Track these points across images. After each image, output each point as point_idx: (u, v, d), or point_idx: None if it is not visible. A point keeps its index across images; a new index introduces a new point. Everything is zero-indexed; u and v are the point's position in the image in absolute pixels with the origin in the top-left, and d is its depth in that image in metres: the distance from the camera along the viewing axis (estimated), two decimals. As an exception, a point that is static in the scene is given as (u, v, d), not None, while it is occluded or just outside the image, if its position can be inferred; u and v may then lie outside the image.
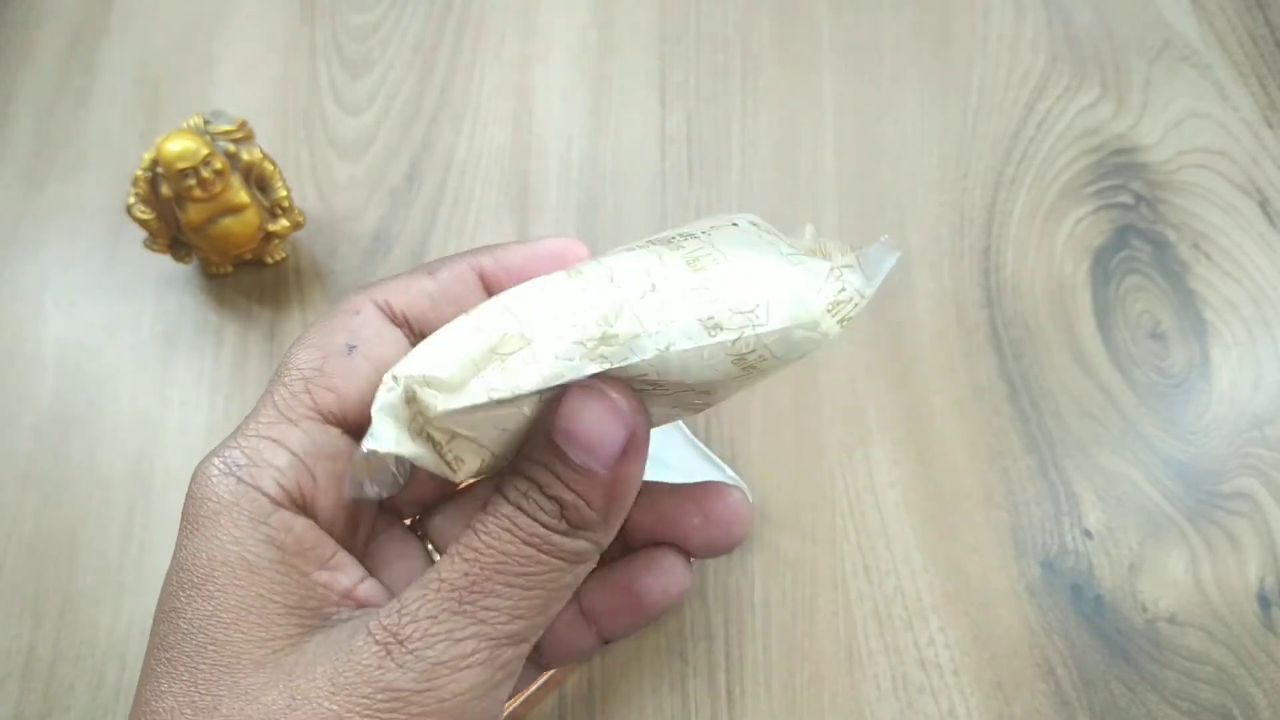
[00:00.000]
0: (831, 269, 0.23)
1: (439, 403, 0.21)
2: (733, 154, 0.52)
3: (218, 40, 0.55)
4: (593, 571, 0.25)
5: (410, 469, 0.24)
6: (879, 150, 0.52)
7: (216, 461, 0.23)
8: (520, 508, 0.23)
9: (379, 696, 0.21)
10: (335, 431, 0.25)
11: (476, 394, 0.22)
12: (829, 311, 0.23)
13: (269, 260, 0.48)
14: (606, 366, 0.22)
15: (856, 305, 0.23)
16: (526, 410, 0.23)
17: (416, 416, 0.22)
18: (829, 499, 0.43)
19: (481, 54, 0.55)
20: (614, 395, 0.23)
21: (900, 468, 0.44)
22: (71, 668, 0.41)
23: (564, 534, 0.23)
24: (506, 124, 0.53)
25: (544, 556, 0.23)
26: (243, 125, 0.45)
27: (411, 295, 0.25)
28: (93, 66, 0.54)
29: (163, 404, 0.46)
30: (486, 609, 0.22)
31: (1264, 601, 0.41)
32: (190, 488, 0.24)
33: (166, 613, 0.23)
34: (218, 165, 0.43)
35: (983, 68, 0.54)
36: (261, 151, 0.45)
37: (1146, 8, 0.55)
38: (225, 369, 0.46)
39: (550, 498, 0.23)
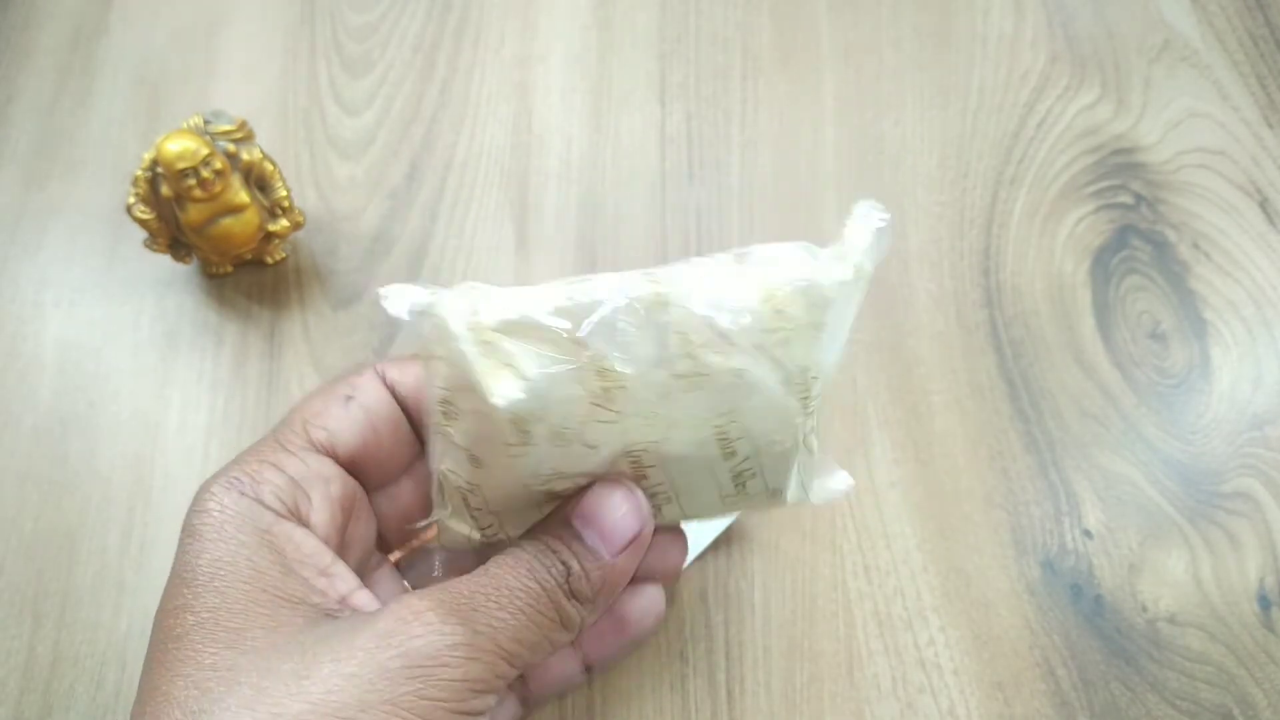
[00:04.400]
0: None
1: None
2: (733, 154, 0.52)
3: (218, 40, 0.55)
4: None
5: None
6: (879, 150, 0.52)
7: (220, 480, 0.25)
8: (537, 556, 0.25)
9: (393, 664, 0.22)
10: (329, 460, 0.27)
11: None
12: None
13: (269, 260, 0.48)
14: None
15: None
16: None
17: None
18: (829, 499, 0.43)
19: (481, 54, 0.55)
20: (638, 492, 0.26)
21: (900, 467, 0.44)
22: (71, 668, 0.41)
23: (565, 595, 0.25)
24: (506, 124, 0.53)
25: (548, 601, 0.25)
26: (243, 125, 0.45)
27: (406, 373, 0.29)
28: (93, 66, 0.54)
29: (163, 404, 0.46)
30: (500, 618, 0.24)
31: (1264, 601, 0.41)
32: (193, 503, 0.25)
33: (171, 610, 0.23)
34: (218, 165, 0.43)
35: (983, 68, 0.54)
36: (261, 151, 0.45)
37: (1146, 8, 0.55)
38: (225, 369, 0.46)
39: (561, 561, 0.25)
